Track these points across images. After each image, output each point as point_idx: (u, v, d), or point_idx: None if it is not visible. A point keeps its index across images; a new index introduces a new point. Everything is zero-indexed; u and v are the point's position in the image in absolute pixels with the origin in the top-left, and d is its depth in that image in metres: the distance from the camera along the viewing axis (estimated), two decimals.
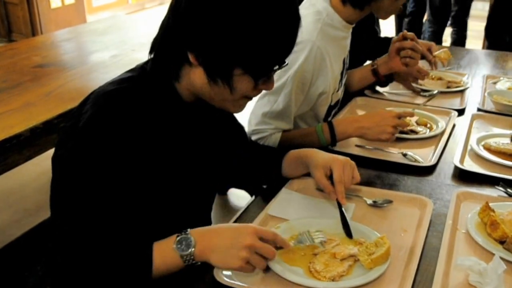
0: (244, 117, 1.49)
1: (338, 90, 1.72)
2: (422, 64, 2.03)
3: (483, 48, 4.42)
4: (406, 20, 4.97)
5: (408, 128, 1.61)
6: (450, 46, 4.13)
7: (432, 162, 1.44)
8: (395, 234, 1.11)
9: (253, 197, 1.32)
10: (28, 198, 2.85)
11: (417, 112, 1.70)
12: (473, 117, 1.77)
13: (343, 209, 1.14)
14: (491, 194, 1.28)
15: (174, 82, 1.04)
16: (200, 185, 1.15)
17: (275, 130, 1.54)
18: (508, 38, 3.70)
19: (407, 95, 2.02)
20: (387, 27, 4.72)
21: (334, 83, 1.64)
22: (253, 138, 1.54)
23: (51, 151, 1.02)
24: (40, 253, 1.39)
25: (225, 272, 0.97)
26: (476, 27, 5.24)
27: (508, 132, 1.62)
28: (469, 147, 1.54)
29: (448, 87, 2.07)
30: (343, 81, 1.76)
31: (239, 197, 2.79)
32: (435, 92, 2.01)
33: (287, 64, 1.02)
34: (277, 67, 1.00)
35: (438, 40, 4.62)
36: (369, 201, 1.23)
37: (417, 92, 2.02)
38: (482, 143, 1.55)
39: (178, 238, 0.94)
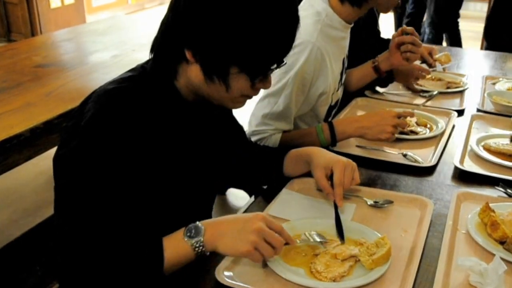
0: (244, 118, 1.50)
1: (337, 90, 1.72)
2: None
3: (481, 49, 4.43)
4: (405, 21, 4.98)
5: (408, 128, 1.62)
6: (447, 46, 4.14)
7: (432, 163, 1.45)
8: (396, 235, 1.11)
9: (254, 197, 1.33)
10: (26, 198, 2.85)
11: (417, 112, 1.70)
12: (473, 118, 1.77)
13: (338, 211, 1.15)
14: (491, 195, 1.28)
15: (174, 81, 1.04)
16: (200, 183, 1.15)
17: (275, 131, 1.55)
18: (507, 38, 3.70)
19: (407, 96, 2.02)
20: (387, 29, 4.72)
21: (334, 83, 1.65)
22: (253, 139, 1.54)
23: (50, 151, 1.02)
24: (39, 254, 1.39)
25: (226, 273, 0.97)
26: (474, 28, 5.25)
27: (507, 132, 1.63)
28: (469, 148, 1.54)
29: (447, 88, 2.08)
30: (343, 81, 1.77)
31: (238, 197, 2.79)
32: (434, 92, 2.02)
33: (285, 63, 1.02)
34: (275, 66, 1.00)
35: (438, 42, 4.63)
36: (370, 202, 1.24)
37: (417, 93, 2.03)
38: (482, 143, 1.56)
39: (187, 228, 0.95)
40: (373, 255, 1.00)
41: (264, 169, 1.36)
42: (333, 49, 1.60)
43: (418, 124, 1.70)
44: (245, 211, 1.23)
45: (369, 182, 1.35)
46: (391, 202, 1.24)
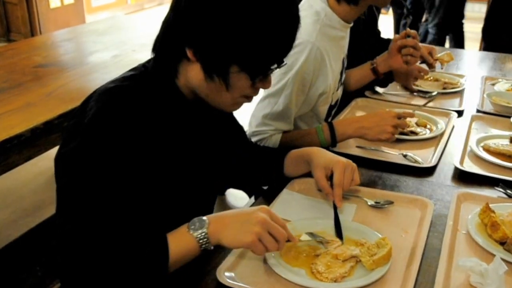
0: (245, 119, 1.50)
1: (337, 89, 1.73)
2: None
3: (480, 49, 4.43)
4: (403, 21, 4.99)
5: (408, 129, 1.62)
6: (449, 48, 4.15)
7: (432, 163, 1.45)
8: (396, 235, 1.11)
9: (254, 198, 1.33)
10: (25, 198, 2.85)
11: (416, 113, 1.70)
12: (472, 118, 1.78)
13: (338, 211, 1.15)
14: (491, 195, 1.29)
15: (175, 80, 1.05)
16: (200, 183, 1.15)
17: (275, 131, 1.55)
18: (506, 39, 3.71)
19: (406, 96, 2.03)
20: (386, 29, 4.73)
21: (334, 83, 1.65)
22: (254, 139, 1.54)
23: (50, 152, 1.02)
24: (39, 254, 1.39)
25: (227, 273, 0.97)
26: (473, 29, 5.25)
27: (507, 133, 1.63)
28: (468, 148, 1.54)
29: (444, 88, 2.08)
30: (342, 80, 1.77)
31: (237, 198, 2.79)
32: (434, 93, 2.02)
33: (285, 64, 1.03)
34: (275, 66, 1.00)
35: (442, 43, 4.64)
36: (370, 202, 1.24)
37: (414, 93, 2.03)
38: (482, 144, 1.56)
39: (191, 221, 0.95)
40: (374, 255, 1.00)
41: (264, 170, 1.36)
42: (333, 49, 1.61)
43: (418, 124, 1.70)
44: None
45: (369, 183, 1.35)
46: (391, 202, 1.24)
